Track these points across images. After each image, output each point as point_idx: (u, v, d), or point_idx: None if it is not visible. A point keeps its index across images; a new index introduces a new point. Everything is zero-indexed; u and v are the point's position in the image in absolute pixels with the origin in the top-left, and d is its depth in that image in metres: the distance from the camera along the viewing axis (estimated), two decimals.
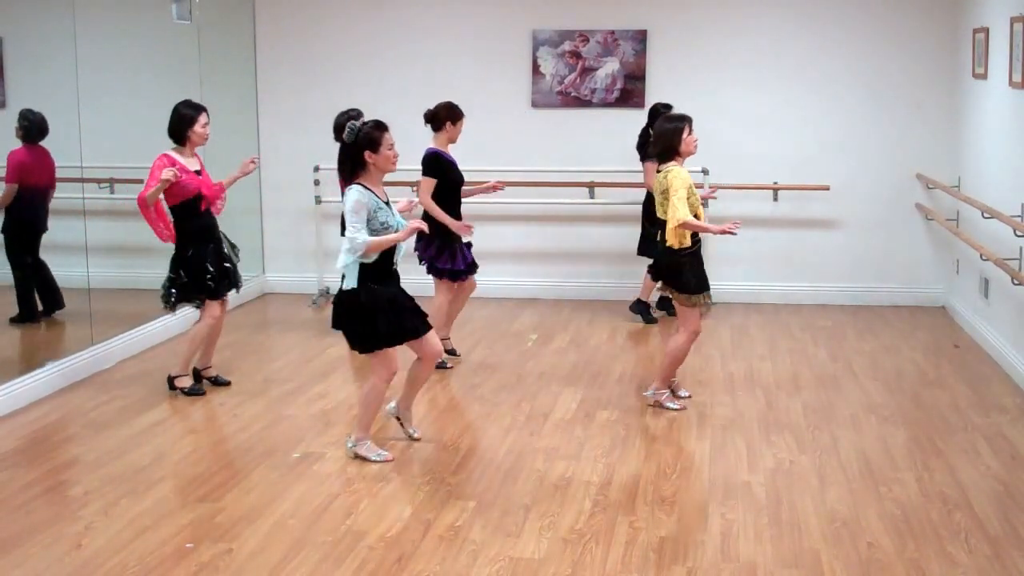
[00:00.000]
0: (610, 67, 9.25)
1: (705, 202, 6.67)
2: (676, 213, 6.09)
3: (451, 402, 6.75)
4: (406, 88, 9.22)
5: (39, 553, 4.60)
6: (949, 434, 6.05)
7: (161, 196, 6.45)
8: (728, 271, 8.99)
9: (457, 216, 7.23)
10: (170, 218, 6.58)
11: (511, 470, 5.52)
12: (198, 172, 6.62)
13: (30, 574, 4.44)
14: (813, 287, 9.28)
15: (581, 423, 6.24)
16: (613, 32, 9.23)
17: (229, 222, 7.05)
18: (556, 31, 9.27)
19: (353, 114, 7.19)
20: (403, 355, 5.68)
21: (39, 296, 7.58)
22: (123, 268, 8.35)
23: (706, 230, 6.24)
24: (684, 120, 6.29)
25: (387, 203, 5.48)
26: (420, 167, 7.14)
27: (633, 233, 8.79)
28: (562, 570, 4.43)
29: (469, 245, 7.32)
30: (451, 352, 7.45)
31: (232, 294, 6.99)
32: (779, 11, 9.10)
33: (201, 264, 6.61)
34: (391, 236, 5.36)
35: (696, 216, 6.17)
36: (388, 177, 5.58)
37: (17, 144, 7.26)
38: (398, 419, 5.97)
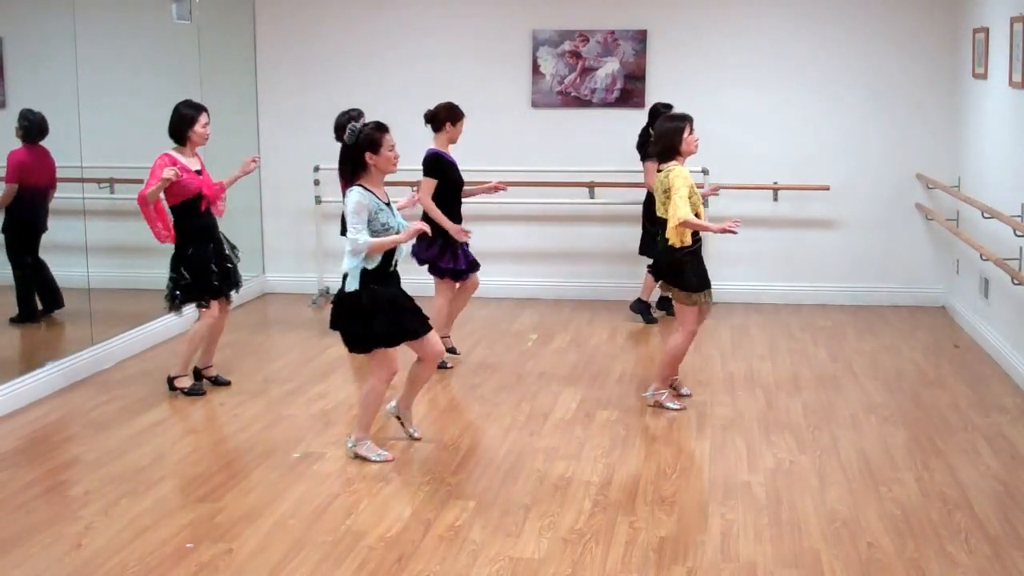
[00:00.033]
0: (610, 67, 9.26)
1: (706, 201, 6.68)
2: (677, 212, 6.10)
3: (451, 402, 6.75)
4: (406, 88, 9.22)
5: (39, 553, 4.60)
6: (949, 434, 6.05)
7: (162, 195, 6.46)
8: (728, 271, 8.98)
9: (458, 216, 7.24)
10: (170, 218, 6.58)
11: (511, 470, 5.52)
12: (199, 172, 6.63)
13: (30, 574, 4.44)
14: (813, 287, 9.28)
15: (581, 423, 6.24)
16: (613, 32, 9.23)
17: (229, 222, 7.05)
18: (556, 31, 9.27)
19: (354, 114, 7.20)
20: (403, 355, 5.68)
21: (39, 296, 7.58)
22: (123, 268, 8.35)
23: (707, 229, 6.24)
24: (685, 119, 6.30)
25: (388, 204, 5.48)
26: (420, 168, 7.14)
27: (632, 233, 8.79)
28: (562, 570, 4.43)
29: (466, 244, 7.33)
30: (451, 350, 7.46)
31: (232, 294, 6.98)
32: (779, 11, 9.10)
33: (205, 264, 6.61)
34: (392, 237, 5.36)
35: (697, 215, 6.18)
36: (388, 177, 5.58)
37: (17, 144, 7.26)
38: (398, 418, 5.97)
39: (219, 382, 6.93)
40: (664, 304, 8.58)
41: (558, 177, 9.29)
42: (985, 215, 7.47)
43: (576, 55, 9.26)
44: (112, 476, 5.43)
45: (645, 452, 5.79)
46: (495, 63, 9.36)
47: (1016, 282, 6.86)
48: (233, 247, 6.89)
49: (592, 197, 9.32)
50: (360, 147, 5.39)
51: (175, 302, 6.65)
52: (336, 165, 5.75)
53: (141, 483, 5.35)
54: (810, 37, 9.08)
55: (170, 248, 6.63)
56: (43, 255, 7.48)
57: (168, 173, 6.34)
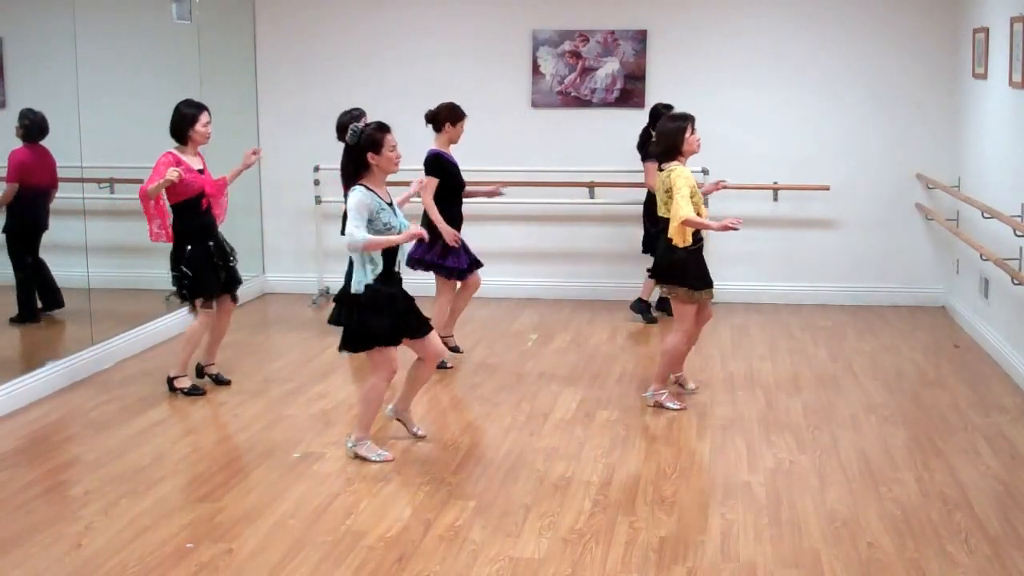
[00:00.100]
0: (610, 67, 9.26)
1: (707, 200, 6.69)
2: (679, 211, 6.10)
3: (451, 402, 6.75)
4: (406, 88, 9.22)
5: (39, 553, 4.60)
6: (949, 434, 6.05)
7: (163, 194, 6.47)
8: (728, 271, 8.97)
9: (459, 216, 7.25)
10: (169, 217, 6.59)
11: (511, 470, 5.52)
12: (201, 171, 6.64)
13: (30, 574, 4.44)
14: (813, 287, 9.28)
15: (581, 423, 6.24)
16: (613, 32, 9.23)
17: (229, 222, 7.06)
18: (556, 31, 9.27)
19: (356, 114, 7.21)
20: (403, 356, 5.68)
21: (39, 295, 7.58)
22: (123, 268, 8.35)
23: (708, 227, 6.25)
24: (687, 119, 6.30)
25: (390, 204, 5.48)
26: (421, 168, 7.15)
27: (632, 233, 8.80)
28: (562, 570, 4.43)
29: (465, 244, 7.33)
30: (455, 349, 7.46)
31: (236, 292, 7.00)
32: (779, 11, 9.10)
33: (203, 262, 6.61)
34: (388, 237, 5.35)
35: (698, 215, 6.19)
36: (389, 177, 5.58)
37: (18, 144, 7.26)
38: (399, 420, 5.98)
39: (220, 381, 6.93)
40: (664, 305, 8.57)
41: (558, 177, 9.29)
42: (985, 215, 7.47)
43: (576, 55, 9.26)
44: (112, 476, 5.43)
45: (645, 452, 5.79)
46: (495, 63, 9.36)
47: (1016, 282, 6.86)
48: (232, 249, 6.89)
49: (592, 197, 9.32)
50: (362, 147, 5.40)
51: (184, 296, 6.66)
52: (337, 165, 5.75)
53: (141, 483, 5.35)
54: (810, 37, 9.08)
55: (169, 247, 6.64)
56: (43, 255, 7.48)
57: (172, 175, 6.35)
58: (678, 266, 6.26)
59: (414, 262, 7.08)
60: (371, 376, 5.61)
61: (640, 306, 8.64)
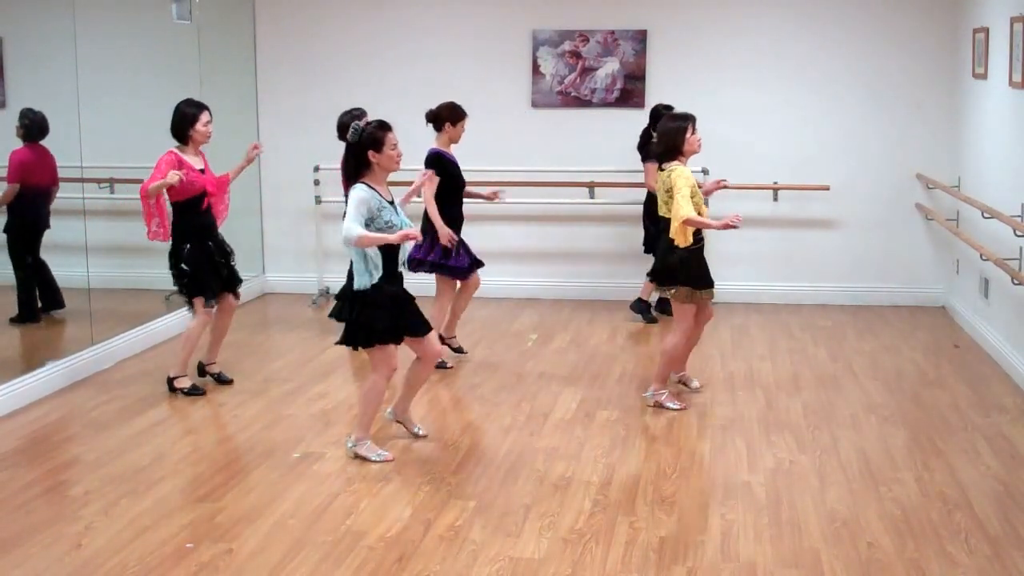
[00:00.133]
0: (610, 67, 9.25)
1: (707, 200, 6.69)
2: (680, 211, 6.11)
3: (451, 402, 6.75)
4: (406, 88, 9.22)
5: (39, 553, 4.60)
6: (949, 434, 6.05)
7: (164, 192, 6.47)
8: (728, 271, 8.96)
9: (459, 215, 7.26)
10: (169, 216, 6.59)
11: (511, 470, 5.52)
12: (202, 171, 6.64)
13: (30, 574, 4.44)
14: (813, 287, 9.28)
15: (581, 423, 6.24)
16: (613, 32, 9.23)
17: (229, 222, 7.06)
18: (556, 31, 9.27)
19: (357, 113, 7.21)
20: (403, 356, 5.68)
21: (39, 295, 7.58)
22: (123, 268, 8.35)
23: (709, 226, 6.25)
24: (688, 119, 6.30)
25: (391, 203, 5.49)
26: (421, 167, 7.13)
27: (632, 233, 8.80)
28: (562, 570, 4.43)
29: (464, 243, 7.34)
30: (458, 350, 7.47)
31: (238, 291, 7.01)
32: (779, 11, 9.10)
33: (202, 262, 6.61)
34: (382, 235, 5.32)
35: (699, 214, 6.19)
36: (389, 177, 5.58)
37: (18, 144, 7.26)
38: (399, 422, 5.98)
39: (221, 380, 6.94)
40: (664, 305, 8.57)
41: (558, 177, 9.29)
42: (985, 215, 7.47)
43: (576, 55, 9.26)
44: (112, 476, 5.43)
45: (645, 452, 5.79)
46: (495, 63, 9.36)
47: (1016, 282, 6.86)
48: (231, 250, 6.89)
49: (592, 197, 9.32)
50: (363, 146, 5.40)
51: (185, 294, 6.66)
52: (337, 165, 5.76)
53: (141, 483, 5.35)
54: (810, 37, 9.08)
55: (168, 247, 6.64)
56: (43, 255, 7.48)
57: (172, 179, 6.36)
58: (680, 265, 6.26)
59: (416, 264, 7.08)
60: (371, 374, 5.62)
61: (640, 306, 8.64)
